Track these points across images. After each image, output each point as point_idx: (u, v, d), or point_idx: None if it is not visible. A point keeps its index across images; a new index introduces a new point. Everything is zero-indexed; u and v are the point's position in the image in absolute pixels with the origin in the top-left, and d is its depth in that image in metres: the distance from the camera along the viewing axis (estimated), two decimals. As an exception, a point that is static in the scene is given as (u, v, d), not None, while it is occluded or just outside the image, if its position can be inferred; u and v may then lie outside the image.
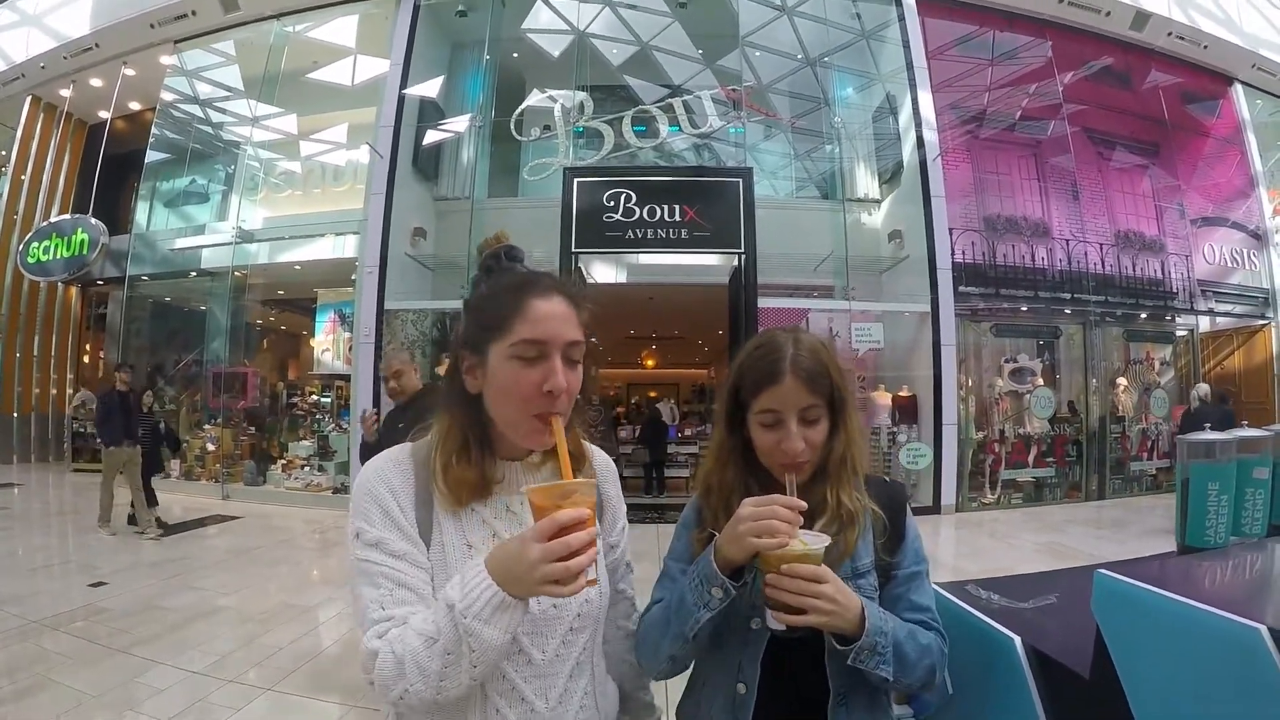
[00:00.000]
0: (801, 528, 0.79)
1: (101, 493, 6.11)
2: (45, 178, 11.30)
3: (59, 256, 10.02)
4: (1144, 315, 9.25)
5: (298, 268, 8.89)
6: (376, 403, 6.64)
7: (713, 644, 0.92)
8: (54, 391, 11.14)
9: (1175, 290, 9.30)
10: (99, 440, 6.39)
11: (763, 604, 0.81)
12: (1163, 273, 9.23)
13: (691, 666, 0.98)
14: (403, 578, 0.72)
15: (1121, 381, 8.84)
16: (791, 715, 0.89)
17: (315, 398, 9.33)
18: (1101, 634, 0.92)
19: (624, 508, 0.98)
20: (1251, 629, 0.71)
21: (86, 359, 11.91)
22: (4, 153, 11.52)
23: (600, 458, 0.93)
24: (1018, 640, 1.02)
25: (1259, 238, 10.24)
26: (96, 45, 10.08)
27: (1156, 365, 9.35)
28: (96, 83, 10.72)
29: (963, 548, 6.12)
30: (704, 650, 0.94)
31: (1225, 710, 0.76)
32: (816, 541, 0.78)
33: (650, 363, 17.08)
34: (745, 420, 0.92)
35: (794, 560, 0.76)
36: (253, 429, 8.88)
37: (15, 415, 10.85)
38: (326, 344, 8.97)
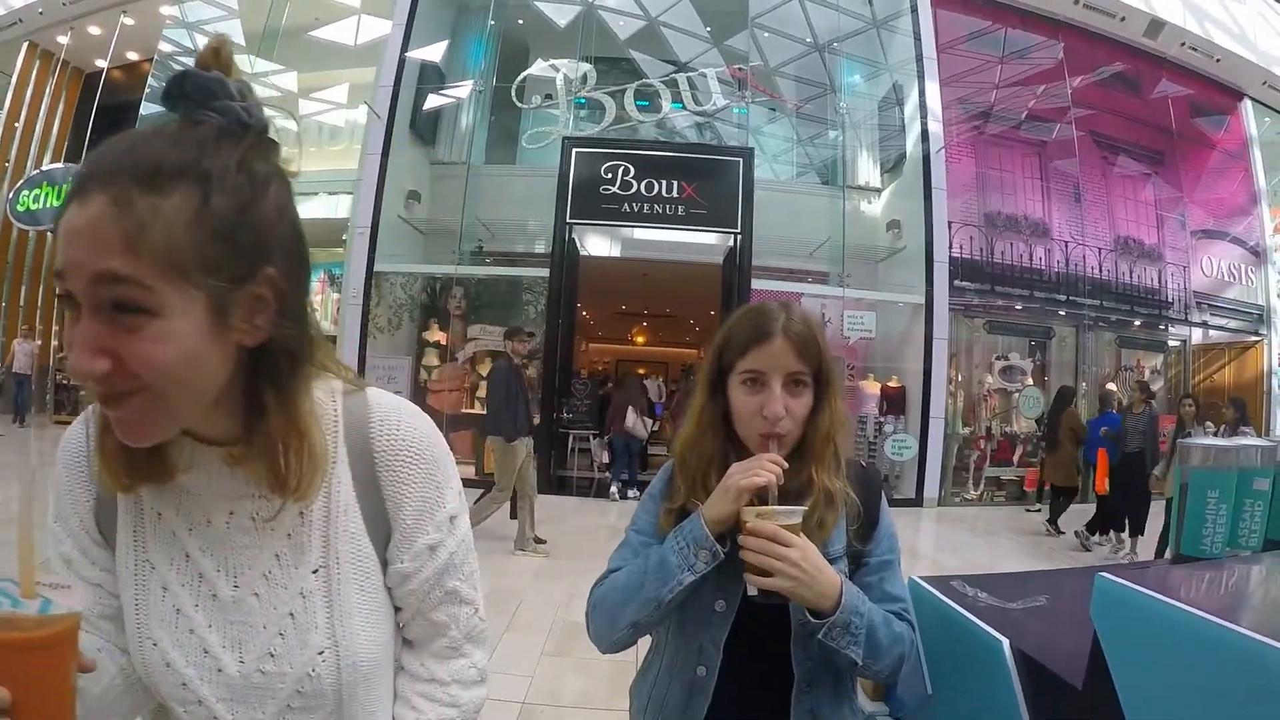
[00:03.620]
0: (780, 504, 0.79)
1: (510, 508, 4.37)
2: (39, 125, 11.15)
3: (49, 205, 9.83)
4: (1138, 322, 9.23)
5: (289, 226, 8.77)
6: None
7: (675, 626, 0.91)
8: (38, 343, 10.99)
9: (1171, 300, 9.29)
10: (495, 433, 4.28)
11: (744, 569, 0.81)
12: (1159, 282, 9.22)
13: (649, 644, 0.96)
14: None
15: (1111, 387, 8.80)
16: (753, 700, 0.87)
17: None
18: (1099, 642, 0.86)
19: (441, 517, 0.64)
20: (1276, 649, 0.65)
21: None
22: (-2, 99, 11.36)
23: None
24: (1006, 643, 0.96)
25: (1258, 254, 10.24)
26: (97, -9, 9.95)
27: (1147, 373, 9.33)
28: (95, 30, 10.57)
29: (944, 542, 6.10)
30: (665, 628, 0.92)
31: None
32: (790, 516, 0.78)
33: (640, 339, 17.00)
34: (727, 385, 0.89)
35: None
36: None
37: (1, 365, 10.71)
38: (315, 304, 8.85)
